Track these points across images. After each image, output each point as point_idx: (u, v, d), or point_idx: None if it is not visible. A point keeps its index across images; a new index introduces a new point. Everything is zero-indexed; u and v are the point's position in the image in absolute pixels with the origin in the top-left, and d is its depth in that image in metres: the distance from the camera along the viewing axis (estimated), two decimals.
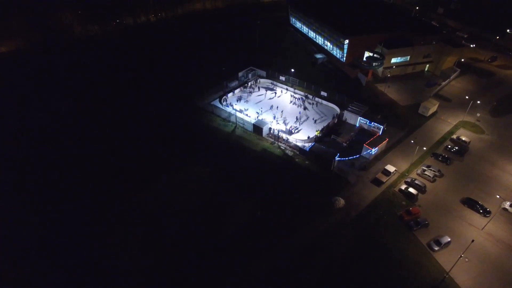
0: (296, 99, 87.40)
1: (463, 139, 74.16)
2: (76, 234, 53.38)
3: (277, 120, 78.86)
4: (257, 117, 79.11)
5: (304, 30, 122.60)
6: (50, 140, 73.07)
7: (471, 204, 58.86)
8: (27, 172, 65.31)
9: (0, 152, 69.61)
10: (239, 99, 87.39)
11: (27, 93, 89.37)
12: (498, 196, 58.38)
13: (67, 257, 50.41)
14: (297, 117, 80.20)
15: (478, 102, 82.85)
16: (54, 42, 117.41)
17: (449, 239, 52.52)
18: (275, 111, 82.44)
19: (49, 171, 65.33)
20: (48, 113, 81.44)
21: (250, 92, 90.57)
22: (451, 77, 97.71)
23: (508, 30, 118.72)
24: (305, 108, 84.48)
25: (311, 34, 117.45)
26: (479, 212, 57.74)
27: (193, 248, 51.76)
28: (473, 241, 47.41)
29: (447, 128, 79.32)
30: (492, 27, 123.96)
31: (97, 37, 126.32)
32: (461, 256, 47.19)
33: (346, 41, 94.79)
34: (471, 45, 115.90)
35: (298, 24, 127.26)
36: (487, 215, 57.00)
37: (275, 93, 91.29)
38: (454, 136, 75.72)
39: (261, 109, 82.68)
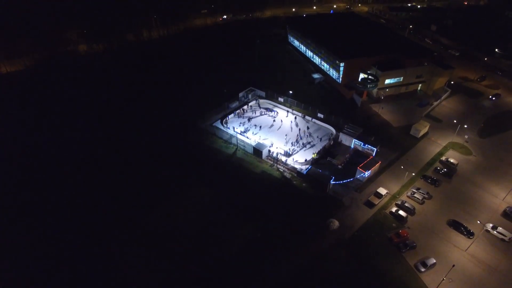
0: (294, 121, 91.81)
1: (452, 161, 78.66)
2: (80, 258, 57.37)
3: (272, 144, 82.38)
4: (257, 139, 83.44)
5: (302, 49, 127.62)
6: (50, 162, 76.76)
7: (456, 226, 63.18)
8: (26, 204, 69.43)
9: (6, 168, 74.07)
10: (240, 118, 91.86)
11: (30, 113, 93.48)
12: (478, 222, 62.87)
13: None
14: (296, 139, 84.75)
15: (466, 126, 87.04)
16: (59, 61, 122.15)
17: (434, 261, 56.71)
18: (275, 132, 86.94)
19: (46, 198, 68.99)
20: (49, 134, 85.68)
21: (250, 117, 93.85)
22: (442, 98, 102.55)
23: (496, 50, 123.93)
24: (308, 129, 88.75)
25: (309, 54, 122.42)
26: (463, 234, 62.01)
27: (194, 269, 55.69)
28: (453, 266, 51.74)
29: (437, 149, 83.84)
30: (482, 47, 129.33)
31: (100, 56, 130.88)
32: (443, 279, 51.44)
33: (342, 64, 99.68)
34: (456, 53, 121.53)
35: (296, 43, 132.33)
36: (471, 237, 61.35)
37: (274, 117, 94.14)
38: (443, 158, 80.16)
39: (259, 129, 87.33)
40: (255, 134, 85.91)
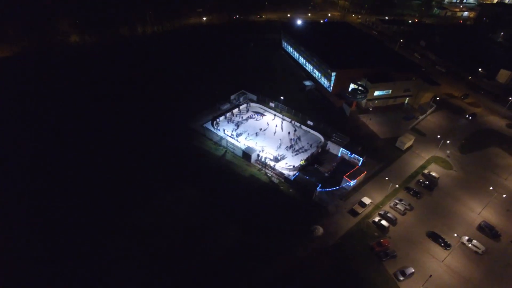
0: (285, 127, 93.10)
1: (433, 174, 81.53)
2: (70, 255, 56.94)
3: (263, 149, 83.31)
4: (250, 143, 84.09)
5: (295, 55, 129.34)
6: (36, 159, 75.58)
7: (435, 237, 65.63)
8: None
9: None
10: (230, 121, 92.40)
11: (15, 104, 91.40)
12: (455, 235, 65.52)
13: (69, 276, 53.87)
14: (291, 144, 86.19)
15: (448, 142, 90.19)
16: (49, 50, 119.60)
17: (413, 270, 58.87)
18: (263, 137, 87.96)
19: (40, 196, 68.16)
20: (32, 128, 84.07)
21: (242, 118, 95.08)
22: (428, 112, 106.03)
23: (480, 70, 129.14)
24: (297, 138, 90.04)
25: (302, 61, 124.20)
26: (441, 245, 64.49)
27: (177, 268, 56.19)
28: (430, 276, 53.99)
29: (420, 162, 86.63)
30: (466, 65, 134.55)
31: (93, 47, 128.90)
32: None
33: (334, 73, 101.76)
34: (442, 70, 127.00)
35: (290, 49, 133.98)
36: (448, 249, 63.90)
37: (257, 119, 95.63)
38: (426, 171, 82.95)
39: (248, 134, 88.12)
40: (249, 139, 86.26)
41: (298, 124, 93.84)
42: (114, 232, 60.91)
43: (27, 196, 66.44)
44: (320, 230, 64.79)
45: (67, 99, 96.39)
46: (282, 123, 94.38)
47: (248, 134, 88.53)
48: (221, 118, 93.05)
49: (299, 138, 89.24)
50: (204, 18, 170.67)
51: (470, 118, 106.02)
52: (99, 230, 61.00)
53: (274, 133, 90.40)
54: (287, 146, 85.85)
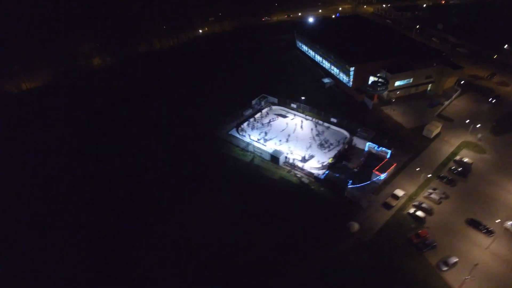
0: (309, 126, 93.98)
1: (466, 160, 79.60)
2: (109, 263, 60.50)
3: (290, 150, 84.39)
4: (280, 147, 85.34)
5: (311, 54, 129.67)
6: (75, 172, 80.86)
7: (475, 224, 64.23)
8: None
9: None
10: (254, 128, 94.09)
11: (52, 127, 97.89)
12: (498, 220, 63.60)
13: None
14: (321, 143, 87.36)
15: (478, 125, 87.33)
16: (76, 75, 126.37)
17: (456, 259, 57.88)
18: (289, 138, 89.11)
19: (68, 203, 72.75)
20: (73, 148, 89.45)
21: (265, 122, 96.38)
22: (453, 97, 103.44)
23: (505, 46, 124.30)
24: (317, 134, 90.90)
25: (318, 59, 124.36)
26: (482, 232, 63.01)
27: (215, 275, 58.26)
28: (476, 264, 52.94)
29: (450, 149, 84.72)
30: (490, 44, 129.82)
31: (115, 68, 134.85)
32: (467, 278, 52.69)
33: (352, 68, 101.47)
34: (464, 51, 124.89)
35: (305, 48, 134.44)
36: (491, 235, 62.33)
37: (273, 120, 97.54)
38: (458, 157, 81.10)
39: (279, 140, 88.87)
40: (281, 144, 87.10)
41: (320, 122, 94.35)
42: (150, 241, 64.05)
43: (62, 215, 70.61)
44: (355, 226, 65.02)
45: (99, 115, 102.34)
46: (302, 122, 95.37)
47: (279, 140, 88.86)
48: (245, 124, 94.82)
49: (318, 134, 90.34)
50: (217, 26, 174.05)
51: (493, 101, 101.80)
52: (132, 240, 64.17)
53: (294, 130, 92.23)
54: (317, 144, 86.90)
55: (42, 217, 69.84)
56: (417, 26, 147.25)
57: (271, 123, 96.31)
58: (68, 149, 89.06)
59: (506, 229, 63.32)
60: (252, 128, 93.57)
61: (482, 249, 60.39)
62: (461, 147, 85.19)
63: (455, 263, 57.61)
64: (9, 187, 77.37)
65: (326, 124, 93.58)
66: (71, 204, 72.56)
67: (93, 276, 58.83)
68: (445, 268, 56.83)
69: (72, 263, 60.70)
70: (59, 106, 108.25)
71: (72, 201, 73.38)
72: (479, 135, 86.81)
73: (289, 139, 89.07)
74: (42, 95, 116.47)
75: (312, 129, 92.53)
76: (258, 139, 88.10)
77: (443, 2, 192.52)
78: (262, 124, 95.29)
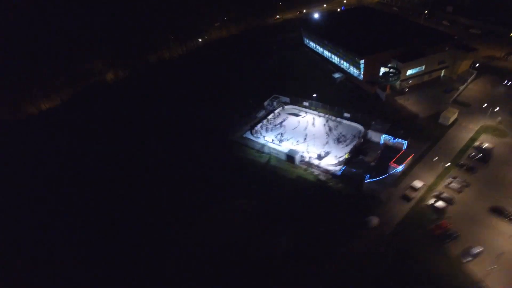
0: (322, 122, 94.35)
1: (486, 145, 77.85)
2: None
3: (308, 150, 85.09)
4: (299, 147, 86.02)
5: (319, 50, 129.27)
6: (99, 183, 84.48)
7: (499, 212, 63.05)
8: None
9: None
10: (268, 129, 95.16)
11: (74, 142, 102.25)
12: None
13: None
14: (338, 139, 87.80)
15: (497, 108, 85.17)
16: (92, 92, 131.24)
17: (481, 249, 57.11)
18: (306, 137, 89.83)
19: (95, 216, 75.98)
20: (96, 159, 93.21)
21: (277, 123, 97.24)
22: (468, 81, 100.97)
23: None
24: (330, 129, 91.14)
25: (327, 54, 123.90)
26: (508, 219, 61.84)
27: (240, 275, 60.09)
28: (502, 253, 52.24)
29: (469, 135, 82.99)
30: (504, 21, 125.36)
31: (127, 81, 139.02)
32: (492, 268, 52.06)
33: (362, 61, 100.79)
34: (477, 32, 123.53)
35: (312, 44, 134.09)
36: None
37: (285, 119, 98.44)
38: (477, 143, 79.37)
39: (296, 140, 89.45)
40: (298, 144, 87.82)
41: (333, 118, 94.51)
42: (172, 247, 66.53)
43: (90, 224, 73.82)
44: (375, 220, 65.21)
45: (118, 128, 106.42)
46: (313, 119, 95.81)
47: (297, 140, 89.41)
48: (259, 126, 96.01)
49: (331, 129, 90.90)
50: (223, 31, 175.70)
51: (510, 83, 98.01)
52: (156, 245, 66.78)
53: (306, 128, 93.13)
54: (334, 140, 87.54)
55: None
56: (425, 11, 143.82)
57: (283, 123, 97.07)
58: (93, 162, 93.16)
59: None
60: (267, 130, 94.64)
61: (507, 238, 59.24)
62: (480, 132, 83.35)
63: (479, 253, 56.90)
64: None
65: (338, 119, 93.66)
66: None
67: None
68: (469, 259, 56.27)
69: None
70: (78, 122, 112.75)
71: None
72: (499, 118, 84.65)
73: (307, 138, 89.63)
74: (62, 113, 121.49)
75: (324, 125, 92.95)
76: (273, 140, 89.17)
77: None
78: (275, 125, 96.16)
